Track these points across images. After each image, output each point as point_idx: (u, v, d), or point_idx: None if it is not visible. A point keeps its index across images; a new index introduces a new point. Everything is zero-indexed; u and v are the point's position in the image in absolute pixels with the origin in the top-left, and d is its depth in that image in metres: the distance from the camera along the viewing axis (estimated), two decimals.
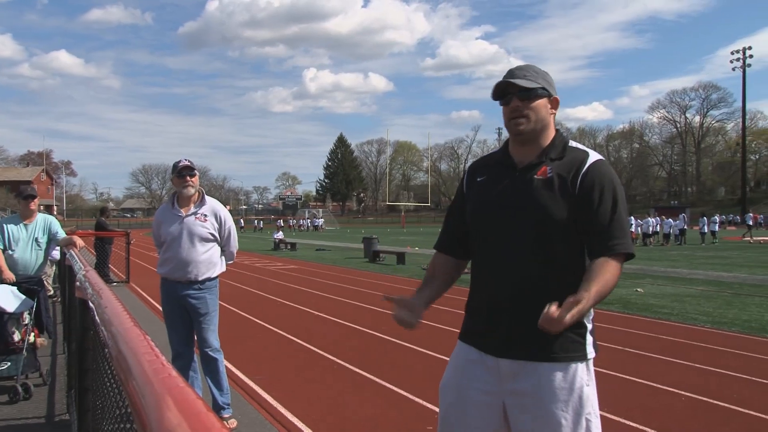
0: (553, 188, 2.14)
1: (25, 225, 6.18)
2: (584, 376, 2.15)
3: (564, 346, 2.13)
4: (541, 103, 2.21)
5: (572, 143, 2.26)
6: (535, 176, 2.18)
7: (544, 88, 2.21)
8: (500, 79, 2.25)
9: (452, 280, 2.48)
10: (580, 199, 2.13)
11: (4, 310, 5.37)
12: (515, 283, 2.17)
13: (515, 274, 2.17)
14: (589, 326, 2.20)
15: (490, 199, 2.25)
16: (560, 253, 2.15)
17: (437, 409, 4.98)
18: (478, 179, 2.34)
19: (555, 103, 2.26)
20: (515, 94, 2.19)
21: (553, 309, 1.90)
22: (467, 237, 2.37)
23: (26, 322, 5.61)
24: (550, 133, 2.26)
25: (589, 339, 2.19)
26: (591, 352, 2.18)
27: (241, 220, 71.90)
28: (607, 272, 2.06)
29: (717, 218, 36.49)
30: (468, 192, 2.38)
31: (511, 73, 2.23)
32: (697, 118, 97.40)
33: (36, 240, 6.19)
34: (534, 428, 2.12)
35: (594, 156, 2.21)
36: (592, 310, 2.20)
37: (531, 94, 2.18)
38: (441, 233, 2.51)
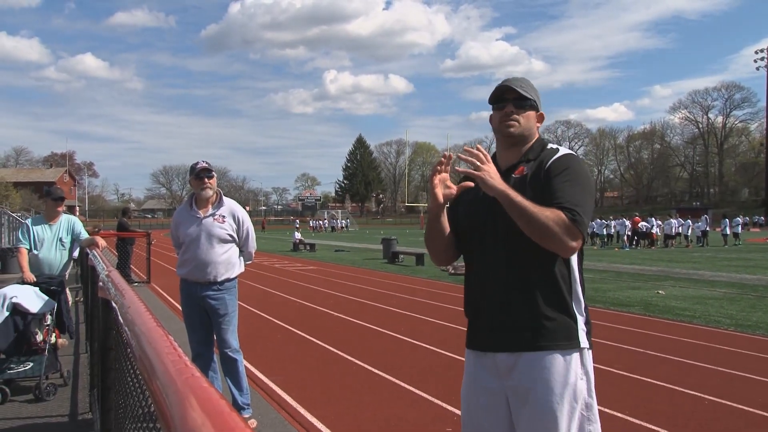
0: (526, 184, 2.27)
1: (50, 225, 6.28)
2: (578, 369, 2.21)
3: (554, 335, 2.20)
4: (531, 114, 2.38)
5: (550, 145, 2.40)
6: (513, 175, 2.33)
7: (535, 101, 2.39)
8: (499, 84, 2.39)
9: (449, 243, 2.48)
10: (546, 182, 2.25)
11: (27, 311, 5.45)
12: (501, 278, 2.27)
13: (501, 270, 2.27)
14: (581, 317, 2.26)
15: (477, 201, 2.36)
16: (540, 247, 2.20)
17: (456, 411, 4.98)
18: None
19: (541, 118, 2.44)
20: (511, 100, 2.35)
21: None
22: (457, 237, 2.47)
23: (48, 323, 5.69)
24: (533, 141, 2.40)
25: (582, 328, 2.25)
26: (585, 343, 2.23)
27: (297, 221, 70.71)
28: (546, 209, 2.12)
29: (740, 220, 35.96)
30: (459, 197, 2.48)
31: (509, 81, 2.39)
32: (720, 119, 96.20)
33: (60, 240, 6.29)
34: (530, 421, 2.19)
35: (564, 150, 2.35)
36: (582, 303, 2.27)
37: (525, 104, 2.36)
38: None
